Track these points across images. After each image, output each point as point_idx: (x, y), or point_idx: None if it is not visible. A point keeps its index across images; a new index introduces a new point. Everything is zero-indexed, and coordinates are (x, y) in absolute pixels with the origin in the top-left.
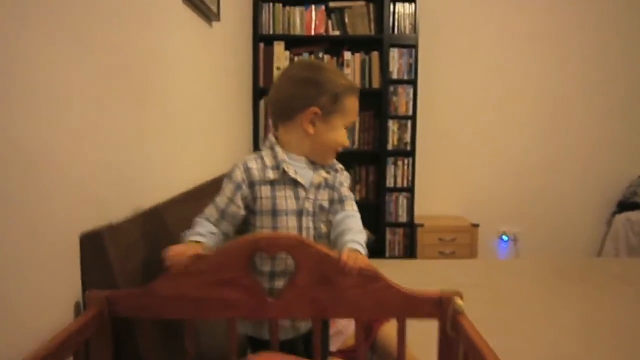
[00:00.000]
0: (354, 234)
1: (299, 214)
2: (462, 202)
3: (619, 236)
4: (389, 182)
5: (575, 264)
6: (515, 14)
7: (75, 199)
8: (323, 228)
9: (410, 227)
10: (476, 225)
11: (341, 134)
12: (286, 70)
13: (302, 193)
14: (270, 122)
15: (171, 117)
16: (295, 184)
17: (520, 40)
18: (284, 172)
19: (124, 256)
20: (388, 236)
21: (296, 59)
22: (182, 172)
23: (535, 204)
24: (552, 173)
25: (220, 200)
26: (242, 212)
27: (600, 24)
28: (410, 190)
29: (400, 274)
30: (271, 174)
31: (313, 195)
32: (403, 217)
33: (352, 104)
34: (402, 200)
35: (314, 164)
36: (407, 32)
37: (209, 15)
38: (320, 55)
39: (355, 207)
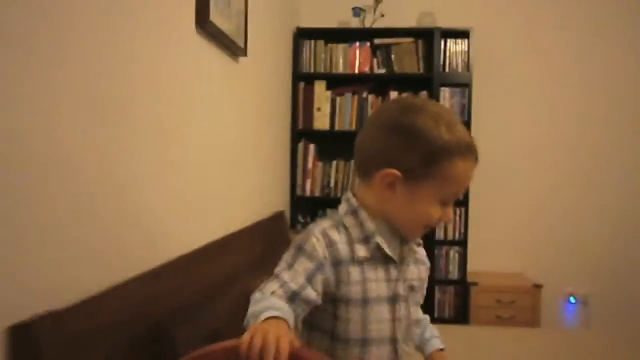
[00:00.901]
0: (431, 328)
1: (392, 300)
2: (523, 258)
3: None
4: (439, 234)
5: None
6: (571, 55)
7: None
8: (413, 314)
9: (463, 286)
10: (539, 286)
11: (434, 207)
12: (379, 109)
13: (393, 273)
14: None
15: (176, 162)
16: (386, 261)
17: (578, 82)
18: (377, 247)
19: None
20: (437, 295)
21: (338, 99)
22: (185, 228)
23: (609, 261)
24: (628, 224)
25: (292, 278)
26: (319, 300)
27: None
28: (463, 243)
29: (450, 342)
30: (361, 251)
31: (403, 274)
32: (454, 274)
33: (458, 169)
34: (454, 254)
35: (398, 230)
36: (460, 70)
37: (233, 49)
38: (364, 95)
39: None
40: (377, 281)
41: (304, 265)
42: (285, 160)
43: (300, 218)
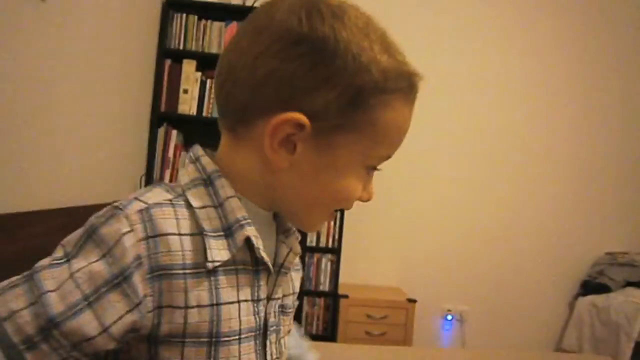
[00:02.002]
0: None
1: (262, 334)
2: (399, 272)
3: (583, 323)
4: (310, 240)
5: None
6: (480, 58)
7: None
8: (285, 352)
9: (333, 298)
10: (413, 301)
11: (357, 177)
12: (261, 13)
13: (262, 288)
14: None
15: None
16: (256, 268)
17: (482, 99)
18: (247, 245)
19: None
20: (305, 308)
21: (209, 82)
22: None
23: (488, 280)
24: (509, 245)
25: (57, 289)
26: (111, 344)
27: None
28: (336, 251)
29: None
30: (217, 251)
31: (276, 290)
32: (325, 285)
33: (398, 115)
34: (326, 263)
35: (276, 217)
36: None
37: None
38: None
39: None
40: (239, 303)
41: (90, 269)
42: (142, 145)
43: None
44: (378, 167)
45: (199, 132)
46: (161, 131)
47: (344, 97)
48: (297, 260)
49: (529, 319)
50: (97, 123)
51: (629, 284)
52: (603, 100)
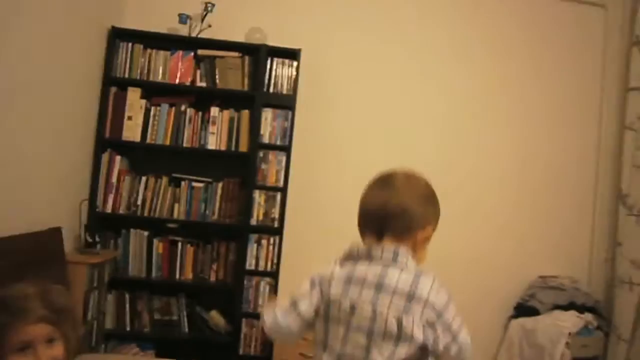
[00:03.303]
0: None
1: None
2: None
3: (513, 345)
4: (250, 264)
5: None
6: (403, 79)
7: None
8: None
9: None
10: None
11: None
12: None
13: None
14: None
15: None
16: None
17: (414, 118)
18: None
19: None
20: (244, 329)
21: (153, 110)
22: None
23: None
24: (445, 266)
25: None
26: None
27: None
28: (274, 275)
29: None
30: None
31: None
32: (263, 308)
33: None
34: (264, 286)
35: None
36: (285, 91)
37: None
38: (183, 108)
39: None
40: None
41: None
42: (86, 170)
43: (97, 237)
44: None
45: (143, 158)
46: (105, 156)
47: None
48: None
49: None
50: (40, 148)
51: (557, 307)
52: (538, 124)
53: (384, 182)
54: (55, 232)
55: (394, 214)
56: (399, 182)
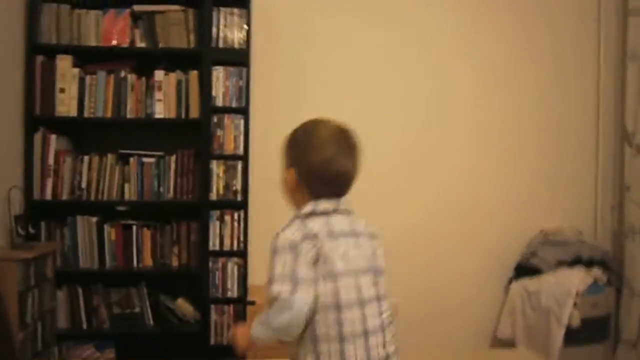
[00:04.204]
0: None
1: None
2: None
3: (515, 311)
4: (214, 244)
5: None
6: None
7: None
8: None
9: (243, 305)
10: None
11: None
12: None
13: None
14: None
15: None
16: None
17: (395, 61)
18: None
19: None
20: (214, 316)
21: (88, 79)
22: None
23: (420, 269)
24: (437, 227)
25: None
26: None
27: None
28: (242, 254)
29: None
30: None
31: None
32: (233, 291)
33: None
34: (232, 267)
35: None
36: (237, 45)
37: None
38: (123, 74)
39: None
40: None
41: None
42: (15, 153)
43: (31, 228)
44: None
45: (83, 134)
46: (38, 136)
47: None
48: None
49: (465, 307)
50: None
51: (561, 263)
52: (536, 79)
53: (349, 145)
54: None
55: (353, 177)
56: (357, 145)
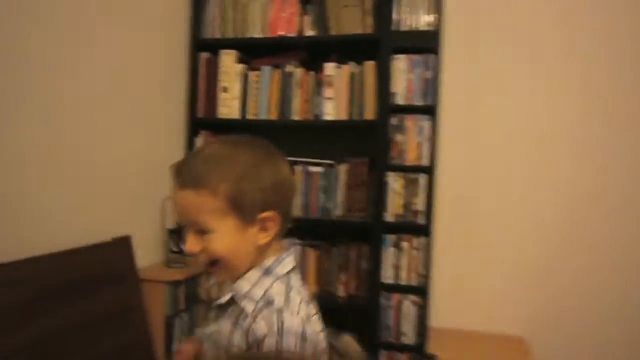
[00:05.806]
0: None
1: None
2: (516, 313)
3: None
4: (388, 275)
5: None
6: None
7: None
8: None
9: (421, 355)
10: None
11: None
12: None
13: None
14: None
15: None
16: None
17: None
18: None
19: None
20: None
21: (251, 75)
22: None
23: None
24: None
25: None
26: None
27: None
28: (422, 291)
29: None
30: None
31: None
32: (409, 337)
33: None
34: (409, 306)
35: None
36: (423, 27)
37: None
38: (289, 69)
39: None
40: None
41: None
42: (174, 160)
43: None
44: None
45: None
46: (199, 141)
47: None
48: None
49: None
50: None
51: None
52: None
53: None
54: (122, 243)
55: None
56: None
